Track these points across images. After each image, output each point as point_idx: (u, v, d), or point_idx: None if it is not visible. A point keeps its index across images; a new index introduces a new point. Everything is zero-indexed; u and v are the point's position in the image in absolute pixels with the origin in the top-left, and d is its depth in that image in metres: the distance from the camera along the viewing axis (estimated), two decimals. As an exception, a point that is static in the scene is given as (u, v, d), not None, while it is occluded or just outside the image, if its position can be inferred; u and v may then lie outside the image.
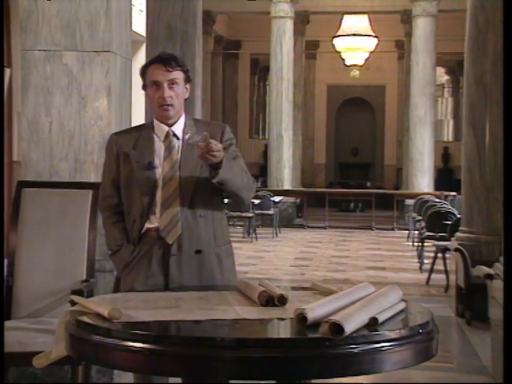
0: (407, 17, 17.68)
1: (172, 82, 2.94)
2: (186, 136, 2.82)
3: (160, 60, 2.96)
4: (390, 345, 2.15)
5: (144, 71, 3.00)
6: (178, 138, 3.00)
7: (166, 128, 3.00)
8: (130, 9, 4.80)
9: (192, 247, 2.96)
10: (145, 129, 3.06)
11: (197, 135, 2.78)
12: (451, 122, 23.79)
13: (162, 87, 2.92)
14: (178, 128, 3.01)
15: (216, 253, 3.03)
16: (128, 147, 3.01)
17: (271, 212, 14.02)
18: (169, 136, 3.00)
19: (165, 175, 2.95)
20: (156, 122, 3.03)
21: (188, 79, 3.01)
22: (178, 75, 2.96)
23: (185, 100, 3.05)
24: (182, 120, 3.03)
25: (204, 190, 2.96)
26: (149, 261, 2.96)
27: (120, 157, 3.02)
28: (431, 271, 8.57)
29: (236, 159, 3.02)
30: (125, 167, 3.01)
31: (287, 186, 16.17)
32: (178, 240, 2.95)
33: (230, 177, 2.88)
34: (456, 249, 6.64)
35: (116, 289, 3.12)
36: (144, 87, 3.02)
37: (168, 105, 2.94)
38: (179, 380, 2.53)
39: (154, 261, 2.96)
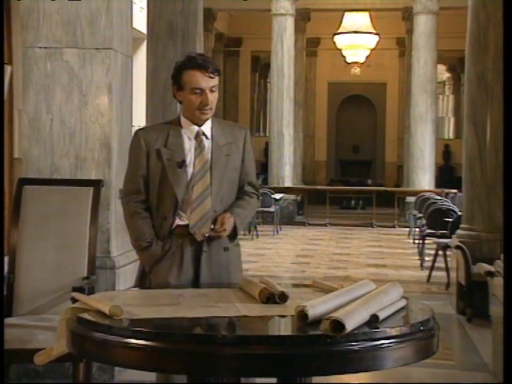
0: (408, 15, 17.65)
1: (213, 88, 3.02)
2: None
3: (202, 66, 3.00)
4: (391, 343, 2.16)
5: (179, 73, 3.03)
6: (207, 138, 3.08)
7: (196, 127, 3.08)
8: (131, 6, 4.79)
9: (221, 244, 3.08)
10: (173, 127, 3.10)
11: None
12: (452, 120, 23.77)
13: (205, 93, 3.00)
14: (207, 128, 3.10)
15: (234, 252, 3.16)
16: (159, 144, 3.05)
17: (271, 209, 14.01)
18: (200, 136, 3.07)
19: (196, 174, 3.04)
20: (184, 120, 3.09)
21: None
22: (217, 81, 3.05)
23: None
24: (209, 120, 3.11)
25: (232, 190, 3.10)
26: (181, 256, 3.05)
27: (151, 153, 3.06)
28: (432, 268, 8.56)
29: (250, 162, 3.20)
30: (157, 164, 3.05)
31: (287, 183, 16.15)
32: (209, 236, 3.05)
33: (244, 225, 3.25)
34: (457, 247, 6.64)
35: (140, 284, 3.12)
36: (178, 88, 3.03)
37: (209, 109, 3.04)
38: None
39: (186, 257, 3.04)
